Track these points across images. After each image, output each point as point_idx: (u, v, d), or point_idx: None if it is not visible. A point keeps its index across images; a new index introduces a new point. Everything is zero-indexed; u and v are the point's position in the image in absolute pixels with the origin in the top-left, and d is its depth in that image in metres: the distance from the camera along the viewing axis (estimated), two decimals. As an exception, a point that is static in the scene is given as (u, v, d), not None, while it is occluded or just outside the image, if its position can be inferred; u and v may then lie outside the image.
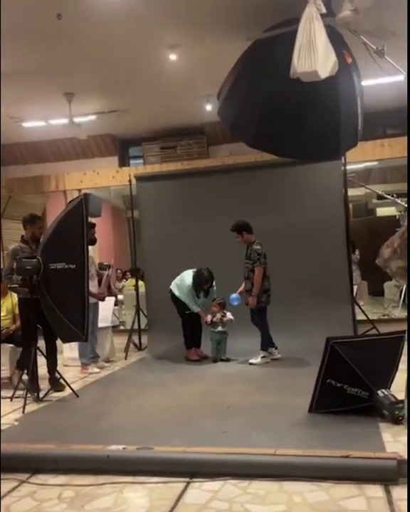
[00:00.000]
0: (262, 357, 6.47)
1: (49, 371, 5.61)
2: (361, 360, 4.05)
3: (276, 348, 6.59)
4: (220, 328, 6.66)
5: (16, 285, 5.68)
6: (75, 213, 5.30)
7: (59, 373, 5.51)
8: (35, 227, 5.78)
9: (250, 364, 6.42)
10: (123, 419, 4.50)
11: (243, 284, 6.64)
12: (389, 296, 10.48)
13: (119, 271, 11.94)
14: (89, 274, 5.36)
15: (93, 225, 6.56)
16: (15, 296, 6.11)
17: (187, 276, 6.92)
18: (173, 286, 7.03)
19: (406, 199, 8.19)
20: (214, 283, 6.92)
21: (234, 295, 6.61)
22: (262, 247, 6.51)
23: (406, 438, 3.51)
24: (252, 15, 5.08)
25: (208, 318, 6.71)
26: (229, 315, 6.67)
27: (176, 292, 6.94)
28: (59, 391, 5.46)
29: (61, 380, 5.47)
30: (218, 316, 6.68)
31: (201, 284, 6.82)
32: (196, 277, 6.84)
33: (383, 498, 2.81)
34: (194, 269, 6.91)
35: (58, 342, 5.82)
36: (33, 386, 5.23)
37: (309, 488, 2.96)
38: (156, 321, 7.69)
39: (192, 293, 6.86)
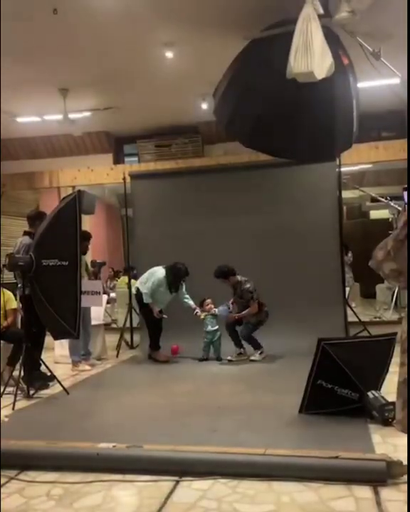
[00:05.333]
0: (260, 353, 6.62)
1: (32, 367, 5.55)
2: (352, 362, 4.07)
3: (243, 348, 6.76)
4: (210, 327, 6.67)
5: None
6: (68, 210, 5.29)
7: (50, 370, 5.48)
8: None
9: (251, 361, 6.56)
10: (113, 417, 4.50)
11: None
12: (380, 298, 10.51)
13: (111, 269, 11.90)
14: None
15: (89, 237, 6.63)
16: (6, 293, 6.08)
17: (158, 271, 6.88)
18: (139, 285, 7.00)
19: (399, 202, 8.21)
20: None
21: (222, 307, 6.69)
22: (251, 284, 6.64)
23: (395, 439, 3.53)
24: (249, 14, 5.07)
25: (198, 310, 6.76)
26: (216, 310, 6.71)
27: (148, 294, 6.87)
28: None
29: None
30: (204, 314, 6.70)
31: (180, 277, 6.80)
32: (174, 270, 6.80)
33: (372, 499, 2.82)
34: (164, 266, 6.90)
35: (50, 339, 5.80)
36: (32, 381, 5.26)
37: (298, 488, 2.96)
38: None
39: (159, 286, 6.79)
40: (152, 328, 7.00)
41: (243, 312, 6.61)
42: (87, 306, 6.57)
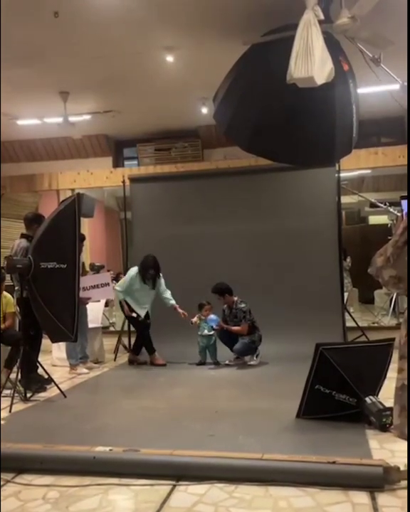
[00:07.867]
0: (256, 356, 6.65)
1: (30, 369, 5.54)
2: (350, 367, 4.06)
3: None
4: (206, 332, 6.64)
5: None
6: (67, 213, 5.29)
7: (47, 372, 5.47)
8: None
9: (250, 365, 6.57)
10: (110, 420, 4.49)
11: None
12: (379, 303, 10.52)
13: (111, 272, 11.87)
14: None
15: (83, 238, 6.63)
16: (7, 296, 6.07)
17: (132, 269, 6.93)
18: (118, 287, 6.96)
19: (398, 208, 8.24)
20: (161, 274, 6.89)
21: (213, 316, 6.63)
22: (246, 305, 6.65)
23: (392, 445, 3.52)
24: (249, 19, 5.09)
25: (193, 320, 6.68)
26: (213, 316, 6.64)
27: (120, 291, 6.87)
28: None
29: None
30: (199, 321, 6.67)
31: (148, 266, 6.77)
32: (143, 262, 6.84)
33: (368, 504, 2.81)
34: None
35: (47, 341, 5.79)
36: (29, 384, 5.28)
37: (295, 493, 2.95)
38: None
39: (133, 282, 6.78)
40: (144, 334, 6.94)
41: (233, 327, 6.61)
42: (98, 299, 6.88)
